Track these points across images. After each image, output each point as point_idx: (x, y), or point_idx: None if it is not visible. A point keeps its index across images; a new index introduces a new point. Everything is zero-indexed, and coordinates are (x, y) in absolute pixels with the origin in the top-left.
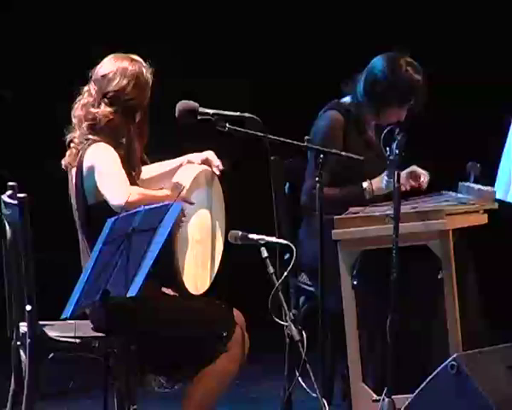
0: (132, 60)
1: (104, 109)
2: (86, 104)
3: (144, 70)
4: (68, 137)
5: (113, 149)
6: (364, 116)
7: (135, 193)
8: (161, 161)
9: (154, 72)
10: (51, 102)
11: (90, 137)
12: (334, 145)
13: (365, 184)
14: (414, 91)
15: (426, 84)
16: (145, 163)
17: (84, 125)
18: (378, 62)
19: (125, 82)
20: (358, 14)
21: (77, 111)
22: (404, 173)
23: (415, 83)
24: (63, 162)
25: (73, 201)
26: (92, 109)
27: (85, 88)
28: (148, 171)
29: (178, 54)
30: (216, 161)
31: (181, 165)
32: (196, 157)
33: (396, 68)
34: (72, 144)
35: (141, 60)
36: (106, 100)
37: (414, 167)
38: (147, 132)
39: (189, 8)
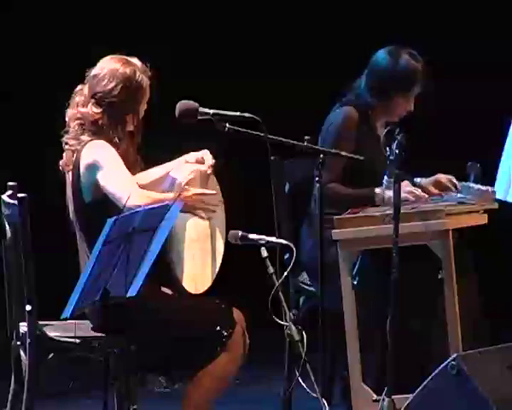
0: (126, 62)
1: (90, 109)
2: (77, 103)
3: (138, 73)
4: (64, 139)
5: (110, 145)
6: (373, 115)
7: (144, 196)
8: (158, 165)
9: (153, 75)
10: (51, 101)
11: (82, 137)
12: (345, 144)
13: (378, 190)
14: (417, 78)
15: (428, 70)
16: (140, 167)
17: (74, 124)
18: (379, 55)
19: (112, 84)
20: (359, 14)
21: (69, 110)
22: (427, 181)
23: (417, 69)
24: (60, 164)
25: (70, 203)
26: (80, 108)
27: (79, 87)
28: (144, 176)
29: (178, 54)
30: (210, 160)
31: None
32: (192, 156)
33: (397, 58)
34: (66, 146)
35: (137, 62)
36: (93, 100)
37: (438, 176)
38: (139, 134)
39: (189, 8)
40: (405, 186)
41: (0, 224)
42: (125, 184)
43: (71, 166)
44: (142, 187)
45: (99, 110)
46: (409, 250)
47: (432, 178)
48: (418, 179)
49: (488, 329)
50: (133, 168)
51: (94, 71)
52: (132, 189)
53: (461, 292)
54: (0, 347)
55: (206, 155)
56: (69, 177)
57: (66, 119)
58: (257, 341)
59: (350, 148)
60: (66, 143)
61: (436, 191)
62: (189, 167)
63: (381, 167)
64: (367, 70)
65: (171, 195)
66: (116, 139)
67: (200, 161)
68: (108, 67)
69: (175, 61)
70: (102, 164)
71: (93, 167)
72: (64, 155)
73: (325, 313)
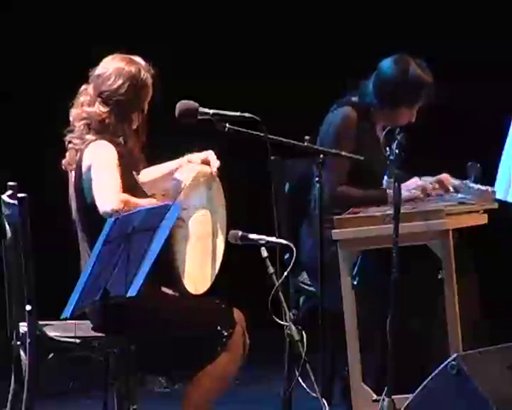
0: (130, 61)
1: (97, 109)
2: (82, 103)
3: (142, 71)
4: (68, 138)
5: (112, 146)
6: (374, 117)
7: (123, 202)
8: (161, 164)
9: (155, 74)
10: (51, 101)
11: (87, 136)
12: (345, 144)
13: (390, 190)
14: (424, 90)
15: (435, 82)
16: (144, 165)
17: (79, 124)
18: (387, 64)
19: (119, 82)
20: (359, 14)
21: (73, 110)
22: (432, 179)
23: (424, 82)
24: (63, 163)
25: (73, 202)
26: (86, 108)
27: (83, 87)
28: (147, 173)
29: (179, 54)
30: (215, 161)
31: (181, 165)
32: (196, 157)
33: (405, 68)
34: (70, 145)
35: (141, 61)
36: (100, 99)
37: (443, 176)
38: (144, 133)
39: (189, 8)
40: (416, 182)
41: (0, 224)
42: (105, 191)
43: (74, 165)
44: (143, 185)
45: (106, 109)
46: (409, 250)
47: (436, 178)
48: (423, 178)
49: (488, 329)
50: (137, 167)
51: (98, 70)
52: (112, 195)
53: (461, 292)
54: (0, 347)
55: (211, 156)
56: (72, 176)
57: (71, 119)
58: (257, 341)
59: (350, 147)
60: (70, 142)
61: (437, 187)
62: (195, 168)
63: (380, 167)
64: (375, 76)
65: (153, 200)
66: (121, 139)
67: (205, 162)
68: (113, 66)
69: (175, 61)
70: (95, 166)
71: (90, 168)
72: (67, 153)
73: (325, 313)
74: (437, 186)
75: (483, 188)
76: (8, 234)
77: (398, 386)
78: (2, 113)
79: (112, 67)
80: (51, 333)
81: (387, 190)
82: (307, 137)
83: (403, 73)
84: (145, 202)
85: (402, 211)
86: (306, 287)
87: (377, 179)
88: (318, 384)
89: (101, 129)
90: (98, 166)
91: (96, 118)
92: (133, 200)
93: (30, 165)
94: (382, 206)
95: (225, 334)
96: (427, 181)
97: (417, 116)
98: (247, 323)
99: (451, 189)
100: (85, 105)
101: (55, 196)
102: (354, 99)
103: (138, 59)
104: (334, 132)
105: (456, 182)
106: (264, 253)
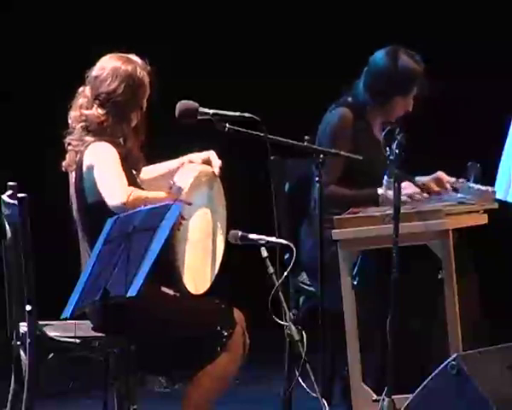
0: (126, 60)
1: (95, 111)
2: (81, 105)
3: (139, 70)
4: (67, 140)
5: (112, 147)
6: (370, 116)
7: (131, 195)
8: (162, 162)
9: (152, 71)
10: (51, 101)
11: (87, 138)
12: (342, 144)
13: (380, 191)
14: (416, 78)
15: (426, 70)
16: (143, 164)
17: (78, 126)
18: (378, 56)
19: (116, 83)
20: (359, 14)
21: (72, 112)
22: (428, 178)
23: (416, 71)
24: (63, 164)
25: (74, 202)
26: (84, 111)
27: (80, 89)
28: (148, 171)
29: (178, 54)
30: (217, 161)
31: (182, 164)
32: (197, 157)
33: (395, 58)
34: (70, 147)
35: (137, 60)
36: (98, 101)
37: (440, 173)
38: (144, 131)
39: (189, 8)
40: (406, 188)
41: (0, 224)
42: (113, 185)
43: (74, 166)
44: (143, 183)
45: (104, 111)
46: (409, 250)
47: (433, 175)
48: (418, 178)
49: (488, 329)
50: (137, 166)
51: (94, 72)
52: (120, 189)
53: (461, 292)
54: (0, 347)
55: (213, 156)
56: (72, 177)
57: (69, 121)
58: (257, 341)
59: (346, 147)
60: (69, 144)
61: (437, 188)
62: (196, 168)
63: (377, 167)
64: (365, 71)
65: (162, 194)
66: (120, 140)
67: (207, 162)
68: (109, 67)
69: (175, 61)
70: (98, 165)
71: (92, 168)
72: (67, 155)
73: (325, 313)
74: (434, 186)
75: (483, 188)
76: (8, 234)
77: (398, 386)
78: (2, 113)
79: (108, 68)
80: (51, 333)
81: (379, 191)
82: (307, 137)
83: (393, 63)
84: (152, 195)
85: (402, 211)
86: (306, 287)
87: (374, 179)
88: (318, 384)
89: (99, 131)
90: (101, 165)
91: (95, 120)
92: (140, 192)
93: (30, 165)
94: (382, 206)
95: (225, 334)
96: (423, 181)
97: (417, 115)
98: (247, 323)
99: (449, 186)
100: (83, 107)
101: (55, 196)
102: (350, 99)
103: (135, 57)
104: (330, 132)
105: (452, 179)
106: (264, 253)
